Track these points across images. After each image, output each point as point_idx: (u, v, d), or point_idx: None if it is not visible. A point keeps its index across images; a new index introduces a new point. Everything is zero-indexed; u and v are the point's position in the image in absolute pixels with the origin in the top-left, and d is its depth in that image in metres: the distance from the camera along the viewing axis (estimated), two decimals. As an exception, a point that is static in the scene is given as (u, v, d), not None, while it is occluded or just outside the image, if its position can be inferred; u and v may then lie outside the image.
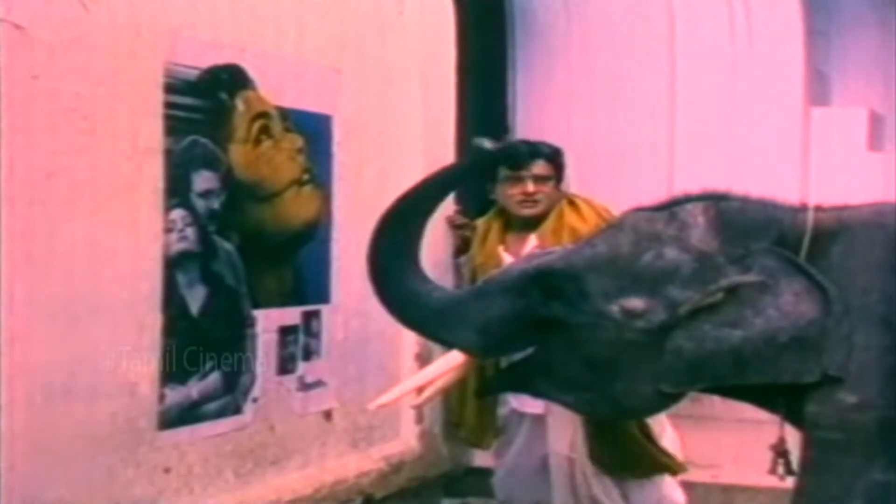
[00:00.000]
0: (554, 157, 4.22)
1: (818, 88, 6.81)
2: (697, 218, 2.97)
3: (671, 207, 3.01)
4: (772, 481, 3.07)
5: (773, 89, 6.37)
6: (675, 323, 2.87)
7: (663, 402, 3.00)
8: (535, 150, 4.22)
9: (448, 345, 3.20)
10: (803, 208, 2.99)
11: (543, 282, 3.02)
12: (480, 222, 4.40)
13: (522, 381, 3.20)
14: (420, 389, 3.34)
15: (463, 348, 3.13)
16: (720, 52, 6.47)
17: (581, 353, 2.98)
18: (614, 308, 2.92)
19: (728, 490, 5.02)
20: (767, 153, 6.27)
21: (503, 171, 4.15)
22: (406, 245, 3.26)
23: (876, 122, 6.71)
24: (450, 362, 3.18)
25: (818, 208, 2.96)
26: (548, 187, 4.15)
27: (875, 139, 6.67)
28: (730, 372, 2.84)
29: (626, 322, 2.91)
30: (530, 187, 4.12)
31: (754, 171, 5.80)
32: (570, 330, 2.98)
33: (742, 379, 2.85)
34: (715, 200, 3.02)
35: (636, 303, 2.91)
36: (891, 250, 2.85)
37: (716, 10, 6.45)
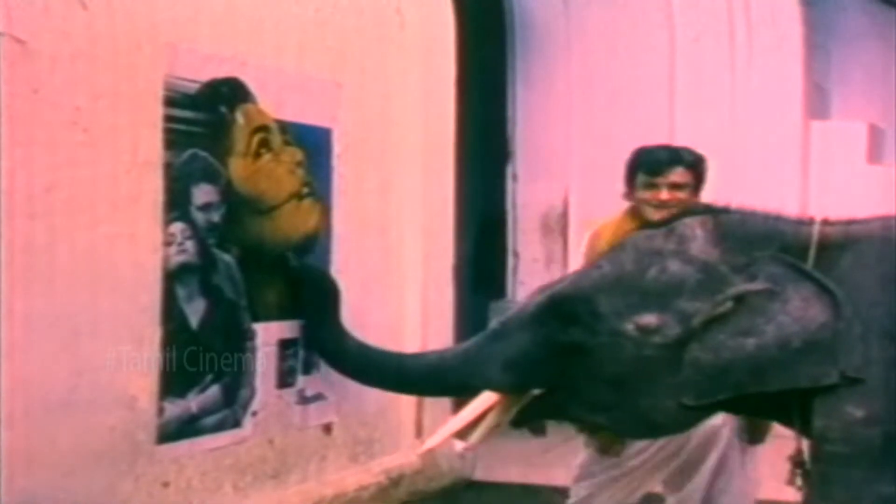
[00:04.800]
0: (695, 165, 4.14)
1: (818, 102, 6.83)
2: (695, 231, 2.98)
3: (669, 223, 3.02)
4: (781, 494, 3.08)
5: (774, 103, 6.39)
6: (691, 335, 2.88)
7: (689, 416, 3.00)
8: (675, 157, 4.14)
9: (477, 390, 3.20)
10: (809, 221, 3.00)
11: (559, 309, 3.05)
12: (604, 224, 4.29)
13: (555, 407, 3.22)
14: (462, 431, 3.33)
15: (493, 388, 3.15)
16: (721, 66, 6.49)
17: (604, 373, 3.00)
18: (629, 326, 2.94)
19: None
20: (768, 166, 6.27)
21: (641, 176, 4.10)
22: (368, 350, 3.64)
23: (875, 135, 6.73)
24: (486, 401, 3.20)
25: (825, 221, 2.97)
26: (684, 194, 4.08)
27: (874, 152, 6.69)
28: (749, 380, 2.84)
29: (642, 339, 2.93)
30: (664, 194, 4.06)
31: (755, 183, 5.81)
32: (591, 352, 3.00)
33: (762, 386, 2.85)
34: (713, 214, 3.03)
35: (649, 319, 2.92)
36: None
37: (716, 24, 6.47)
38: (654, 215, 4.02)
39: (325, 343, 3.85)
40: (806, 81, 6.51)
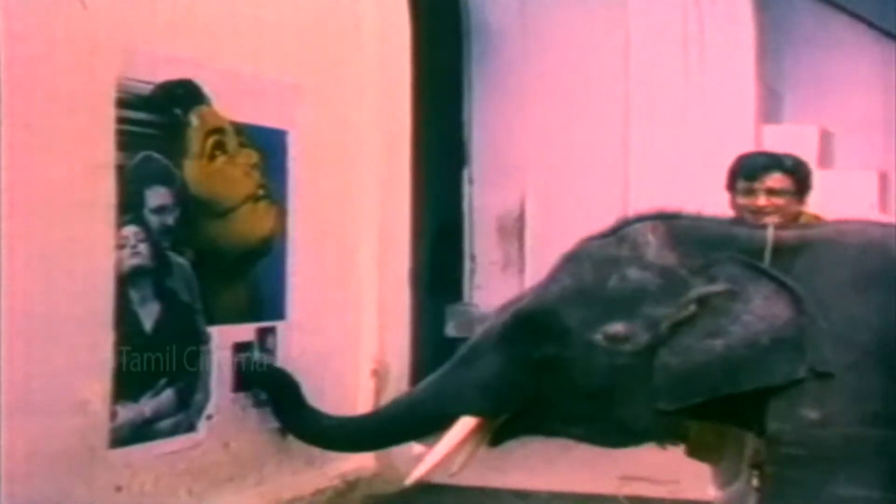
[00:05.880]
0: (794, 170, 4.11)
1: (770, 106, 6.90)
2: (647, 236, 2.99)
3: (619, 231, 3.02)
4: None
5: (726, 106, 6.45)
6: (659, 341, 2.88)
7: (666, 422, 3.00)
8: (773, 162, 4.12)
9: (456, 418, 3.18)
10: (762, 225, 3.02)
11: (526, 326, 3.04)
12: None
13: (532, 423, 3.21)
14: (447, 457, 3.31)
15: (472, 413, 3.13)
16: (674, 69, 6.54)
17: (579, 386, 3.00)
18: (598, 336, 2.93)
19: (688, 505, 5.03)
20: (720, 169, 6.31)
21: (740, 182, 4.08)
22: (344, 421, 3.68)
23: (826, 139, 6.81)
24: (464, 427, 3.18)
25: (779, 225, 2.99)
26: (783, 201, 4.05)
27: (825, 156, 6.77)
28: (722, 381, 2.84)
29: (612, 348, 2.92)
30: (761, 200, 4.03)
31: (707, 187, 5.85)
32: (564, 366, 2.99)
33: (736, 387, 2.85)
34: (664, 219, 3.04)
35: (617, 328, 2.92)
36: (852, 268, 2.88)
37: (670, 27, 6.52)
38: (753, 221, 3.96)
39: (301, 428, 3.75)
40: (758, 85, 6.58)
